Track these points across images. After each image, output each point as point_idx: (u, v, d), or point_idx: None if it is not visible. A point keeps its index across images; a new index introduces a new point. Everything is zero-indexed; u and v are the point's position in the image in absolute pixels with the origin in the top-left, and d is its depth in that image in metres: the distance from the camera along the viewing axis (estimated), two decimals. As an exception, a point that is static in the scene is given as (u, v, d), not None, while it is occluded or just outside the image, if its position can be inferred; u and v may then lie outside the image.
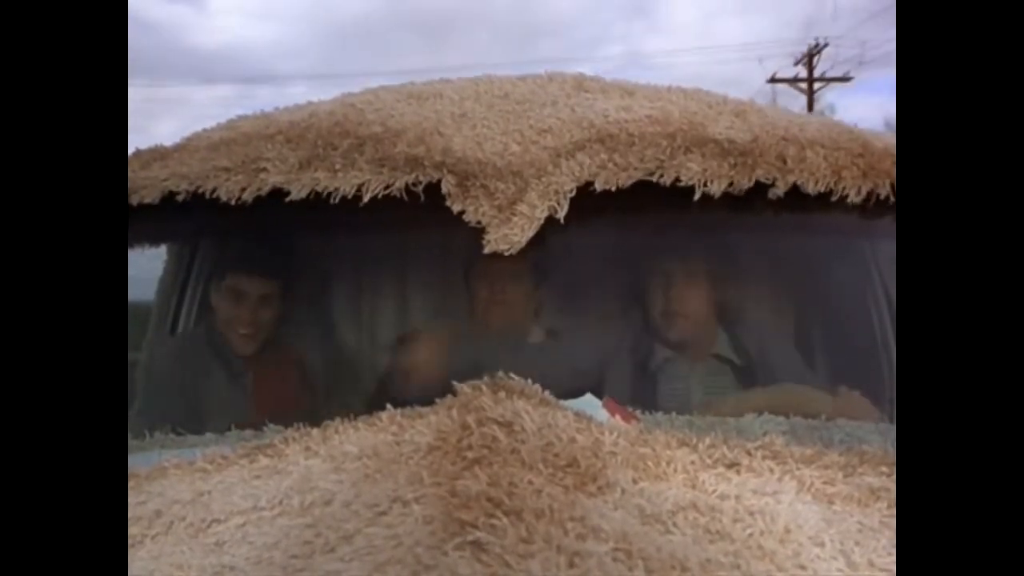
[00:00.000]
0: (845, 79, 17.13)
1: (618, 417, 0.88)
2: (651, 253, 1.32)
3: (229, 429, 0.99)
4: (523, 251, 0.97)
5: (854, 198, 1.02)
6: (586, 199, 1.00)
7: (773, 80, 17.22)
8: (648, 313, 1.29)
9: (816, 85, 17.12)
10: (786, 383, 1.22)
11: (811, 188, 1.02)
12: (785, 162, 1.02)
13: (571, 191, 0.99)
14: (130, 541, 0.67)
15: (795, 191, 1.02)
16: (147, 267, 1.53)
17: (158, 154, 1.17)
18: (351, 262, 1.58)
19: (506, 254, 0.95)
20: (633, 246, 1.33)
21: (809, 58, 16.96)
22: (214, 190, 1.07)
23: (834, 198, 1.03)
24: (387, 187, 1.02)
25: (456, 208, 0.99)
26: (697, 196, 1.00)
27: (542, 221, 0.96)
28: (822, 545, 0.63)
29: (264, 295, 1.30)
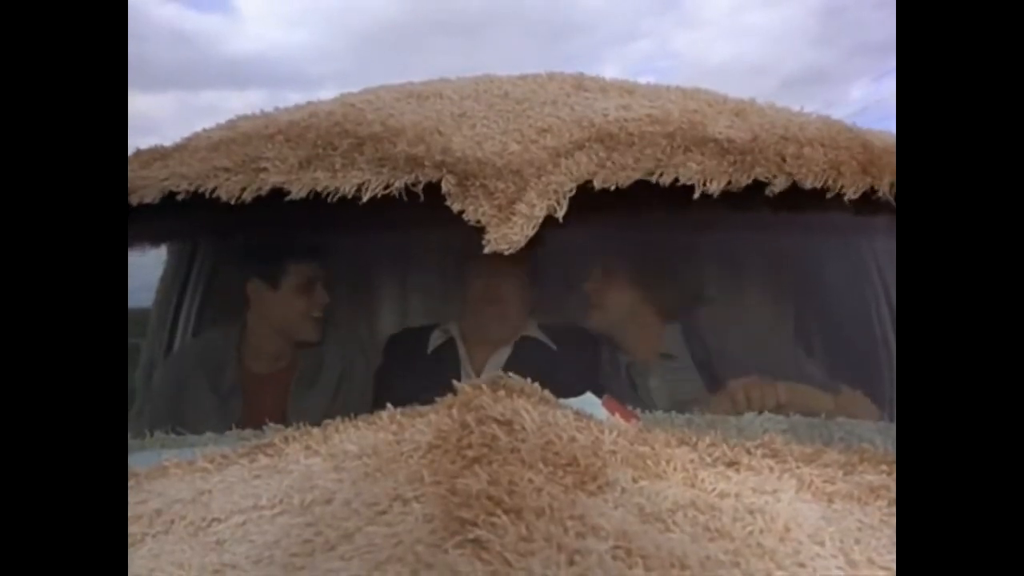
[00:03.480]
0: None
1: (618, 416, 0.88)
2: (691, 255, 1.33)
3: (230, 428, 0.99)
4: (519, 250, 0.97)
5: (853, 196, 1.02)
6: (594, 197, 1.00)
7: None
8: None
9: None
10: (790, 382, 1.23)
11: (810, 186, 1.02)
12: (784, 160, 1.02)
13: (570, 190, 0.99)
14: (130, 540, 0.67)
15: (794, 189, 1.02)
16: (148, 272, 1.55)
17: (158, 154, 1.17)
18: (351, 262, 1.59)
19: (506, 253, 0.95)
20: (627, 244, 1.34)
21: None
22: (214, 190, 1.07)
23: (833, 196, 1.03)
24: (387, 187, 1.02)
25: (456, 208, 0.99)
26: (697, 195, 1.00)
27: (541, 220, 0.96)
28: (822, 543, 0.63)
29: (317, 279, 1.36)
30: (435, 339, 1.37)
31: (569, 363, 1.29)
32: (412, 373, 1.30)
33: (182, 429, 1.02)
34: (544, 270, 1.36)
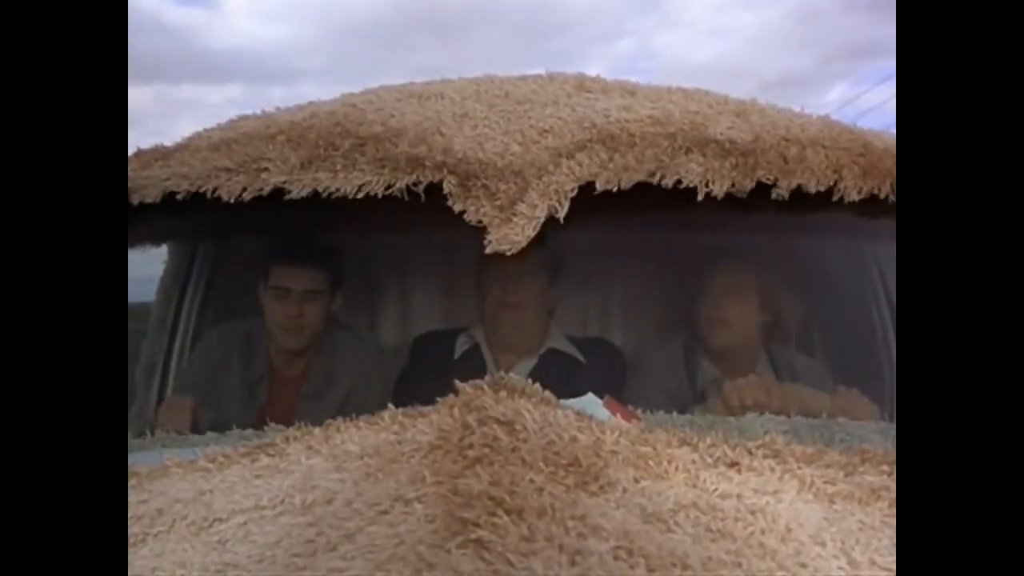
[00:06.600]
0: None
1: (619, 416, 0.88)
2: (692, 257, 1.30)
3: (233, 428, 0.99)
4: (535, 250, 0.97)
5: (855, 198, 1.03)
6: (598, 198, 1.00)
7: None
8: (695, 322, 1.28)
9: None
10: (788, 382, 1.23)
11: (812, 188, 1.02)
12: (786, 162, 1.03)
13: (572, 191, 0.99)
14: (132, 539, 0.68)
15: (796, 191, 1.02)
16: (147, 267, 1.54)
17: (159, 154, 1.17)
18: (352, 262, 1.59)
19: (507, 254, 0.95)
20: (657, 247, 1.33)
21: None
22: (215, 190, 1.07)
23: (835, 198, 1.03)
24: (388, 187, 1.02)
25: (457, 208, 0.99)
26: (700, 197, 1.00)
27: (542, 220, 0.96)
28: (823, 544, 0.63)
29: (309, 290, 1.30)
30: (461, 344, 1.35)
31: (596, 376, 1.27)
32: (438, 379, 1.29)
33: (213, 413, 1.01)
34: (565, 275, 1.35)
